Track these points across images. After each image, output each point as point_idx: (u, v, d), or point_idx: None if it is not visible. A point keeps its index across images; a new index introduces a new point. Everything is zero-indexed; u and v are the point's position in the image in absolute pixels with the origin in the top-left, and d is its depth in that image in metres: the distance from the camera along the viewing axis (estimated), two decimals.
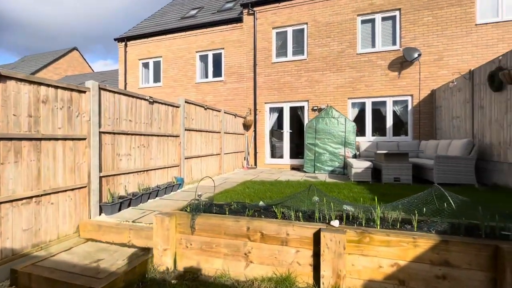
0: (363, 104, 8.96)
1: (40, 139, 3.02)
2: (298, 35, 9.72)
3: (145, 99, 4.75)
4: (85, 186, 3.56)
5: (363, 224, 2.57)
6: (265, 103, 10.04)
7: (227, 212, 3.01)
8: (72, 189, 3.39)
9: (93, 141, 3.63)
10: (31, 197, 2.93)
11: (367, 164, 6.18)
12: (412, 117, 8.42)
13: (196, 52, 11.16)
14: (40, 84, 3.02)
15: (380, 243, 2.34)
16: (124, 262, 2.70)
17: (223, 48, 10.75)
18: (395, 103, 8.63)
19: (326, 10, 9.25)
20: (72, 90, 3.40)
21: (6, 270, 2.58)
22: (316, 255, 2.49)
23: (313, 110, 9.34)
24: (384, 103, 8.75)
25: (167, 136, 5.42)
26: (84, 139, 3.56)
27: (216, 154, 7.62)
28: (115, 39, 12.39)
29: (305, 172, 8.31)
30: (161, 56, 11.76)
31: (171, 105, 5.54)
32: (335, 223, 2.52)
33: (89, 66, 25.13)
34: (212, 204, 3.28)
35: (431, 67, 8.16)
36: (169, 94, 11.32)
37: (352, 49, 8.96)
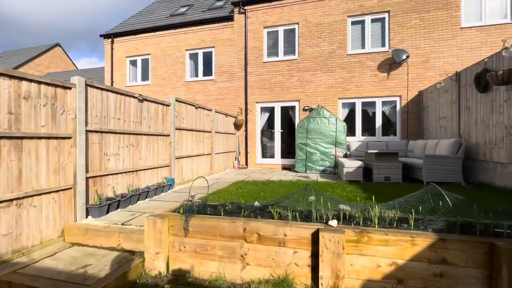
0: (353, 104, 9.07)
1: (21, 138, 2.83)
2: (289, 35, 9.73)
3: (134, 97, 4.58)
4: (71, 188, 3.38)
5: (361, 224, 2.56)
6: (256, 102, 9.99)
7: (222, 213, 2.92)
8: (57, 191, 3.20)
9: (79, 140, 3.46)
10: (12, 200, 2.74)
11: (358, 163, 6.24)
12: (400, 118, 8.59)
13: (186, 50, 10.96)
14: (21, 79, 2.83)
15: (378, 242, 2.32)
16: (114, 267, 2.57)
17: (213, 47, 10.61)
18: (384, 103, 8.79)
19: (317, 11, 9.30)
20: (56, 86, 3.21)
21: None
22: (314, 256, 2.45)
23: (304, 110, 9.36)
24: (373, 103, 8.89)
25: (157, 135, 5.26)
26: (70, 138, 3.38)
27: (207, 154, 7.49)
28: (101, 36, 11.99)
29: (296, 172, 8.31)
30: (149, 54, 11.48)
31: (161, 104, 5.39)
32: (333, 222, 2.49)
33: (73, 64, 24.24)
34: (206, 205, 3.18)
35: (418, 69, 8.36)
36: (158, 92, 11.06)
37: (343, 50, 9.05)
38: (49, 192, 3.12)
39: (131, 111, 4.54)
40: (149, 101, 4.99)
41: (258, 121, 10.03)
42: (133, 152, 4.58)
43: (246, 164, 9.92)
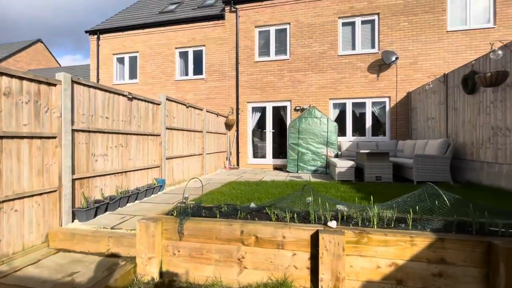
0: (344, 105, 9.16)
1: (1, 137, 2.64)
2: (281, 35, 9.72)
3: (123, 95, 4.40)
4: (56, 190, 3.19)
5: (359, 224, 2.53)
6: (248, 102, 9.91)
7: (218, 216, 2.83)
8: (40, 194, 3.01)
9: (65, 139, 3.27)
10: None
11: (350, 163, 6.28)
12: (389, 118, 8.75)
13: (176, 48, 10.74)
14: (1, 74, 2.64)
15: (378, 243, 2.30)
16: (104, 274, 2.43)
17: (204, 45, 10.45)
18: (374, 104, 8.92)
19: (308, 11, 9.33)
20: (40, 82, 3.02)
21: None
22: (314, 258, 2.40)
23: (295, 110, 9.37)
24: (363, 104, 9.01)
25: (147, 135, 5.09)
26: (55, 137, 3.19)
27: (198, 154, 7.35)
28: (86, 32, 11.56)
29: (288, 172, 8.30)
30: (137, 52, 11.17)
31: (151, 102, 5.22)
32: (333, 223, 2.45)
33: (56, 61, 23.32)
34: (201, 207, 3.08)
35: (407, 70, 8.54)
36: (147, 91, 10.78)
37: (334, 51, 9.12)
38: (32, 195, 2.92)
39: (120, 110, 4.36)
40: (139, 99, 4.82)
41: (249, 121, 9.96)
42: (122, 152, 4.40)
43: (238, 164, 9.82)
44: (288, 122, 9.43)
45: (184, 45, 10.65)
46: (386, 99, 8.79)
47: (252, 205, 3.16)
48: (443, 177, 5.55)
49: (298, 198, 3.14)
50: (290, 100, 9.53)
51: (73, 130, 3.41)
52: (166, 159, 5.67)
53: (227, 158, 9.84)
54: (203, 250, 2.64)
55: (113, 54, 11.50)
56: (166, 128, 5.66)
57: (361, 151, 6.16)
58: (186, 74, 10.82)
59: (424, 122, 7.50)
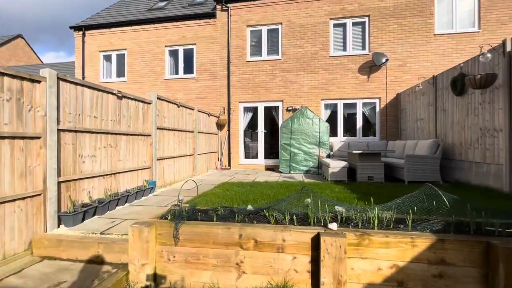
0: (335, 105, 9.23)
1: None
2: (273, 34, 9.68)
3: (113, 93, 4.22)
4: (40, 194, 3.00)
5: (359, 226, 2.51)
6: (239, 102, 9.82)
7: (214, 219, 2.74)
8: (23, 198, 2.82)
9: (50, 140, 3.08)
10: None
11: (343, 164, 6.31)
12: (379, 119, 8.88)
13: (166, 46, 10.50)
14: None
15: (379, 244, 2.28)
16: (94, 283, 2.29)
17: (195, 44, 10.26)
18: (364, 105, 9.04)
19: (300, 12, 9.34)
20: (23, 79, 2.83)
21: None
22: (314, 261, 2.36)
23: (287, 110, 9.36)
24: (354, 105, 9.11)
25: (138, 135, 4.91)
26: (39, 137, 3.00)
27: (189, 155, 7.19)
28: (71, 27, 11.12)
29: (280, 172, 8.27)
30: (125, 49, 10.84)
31: (142, 101, 5.04)
32: (333, 226, 2.41)
33: (38, 57, 22.38)
34: (196, 210, 2.98)
35: (396, 72, 8.70)
36: (136, 90, 10.47)
37: (325, 52, 9.17)
38: (14, 200, 2.73)
39: (109, 109, 4.18)
40: (128, 98, 4.64)
41: (241, 121, 9.86)
42: (111, 153, 4.22)
43: (229, 165, 9.71)
44: (280, 122, 9.40)
45: (174, 43, 10.42)
46: (376, 100, 8.92)
47: (249, 207, 3.09)
48: (433, 177, 5.66)
49: (297, 199, 3.09)
50: (282, 100, 9.51)
51: (58, 130, 3.22)
52: (157, 160, 5.50)
53: (218, 158, 9.71)
54: (199, 255, 2.54)
55: (100, 51, 11.11)
56: (157, 128, 5.49)
57: (354, 151, 6.19)
58: (176, 73, 10.59)
59: (413, 123, 7.65)
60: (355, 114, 9.13)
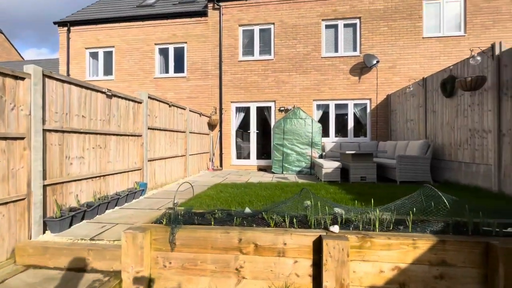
0: (327, 106, 9.28)
1: None
2: (265, 34, 9.63)
3: (102, 92, 4.04)
4: (24, 198, 2.81)
5: (360, 228, 2.48)
6: (231, 102, 9.71)
7: (212, 223, 2.64)
8: (5, 203, 2.63)
9: (35, 141, 2.90)
10: None
11: (336, 164, 6.34)
12: (370, 120, 9.00)
13: (156, 44, 10.25)
14: None
15: (381, 247, 2.26)
16: None
17: (185, 42, 10.07)
18: (355, 105, 9.14)
19: (292, 12, 9.34)
20: (5, 75, 2.64)
21: None
22: (316, 265, 2.31)
23: (280, 110, 9.33)
24: (346, 105, 9.19)
25: (128, 135, 4.74)
26: (22, 138, 2.81)
27: (181, 156, 7.03)
28: (55, 23, 10.67)
29: (273, 173, 8.23)
30: (113, 46, 10.50)
31: (132, 100, 4.87)
32: (335, 228, 2.37)
33: (18, 53, 21.42)
34: (192, 214, 2.87)
35: (386, 74, 8.84)
36: (124, 89, 10.15)
37: (317, 53, 9.21)
38: None
39: (98, 108, 4.00)
40: (119, 97, 4.46)
41: (233, 121, 9.76)
42: (101, 154, 4.04)
43: (221, 165, 9.58)
44: (273, 122, 9.37)
45: (165, 41, 10.19)
46: (367, 101, 9.03)
47: (247, 209, 3.01)
48: (424, 177, 5.77)
49: (296, 202, 3.04)
50: (274, 101, 9.47)
51: (44, 130, 3.04)
52: (148, 161, 5.33)
53: (210, 159, 9.57)
54: (197, 260, 2.45)
55: (86, 48, 10.73)
56: (148, 128, 5.32)
57: (347, 152, 6.23)
58: (167, 72, 10.37)
59: (403, 123, 7.79)
60: (346, 115, 9.22)
